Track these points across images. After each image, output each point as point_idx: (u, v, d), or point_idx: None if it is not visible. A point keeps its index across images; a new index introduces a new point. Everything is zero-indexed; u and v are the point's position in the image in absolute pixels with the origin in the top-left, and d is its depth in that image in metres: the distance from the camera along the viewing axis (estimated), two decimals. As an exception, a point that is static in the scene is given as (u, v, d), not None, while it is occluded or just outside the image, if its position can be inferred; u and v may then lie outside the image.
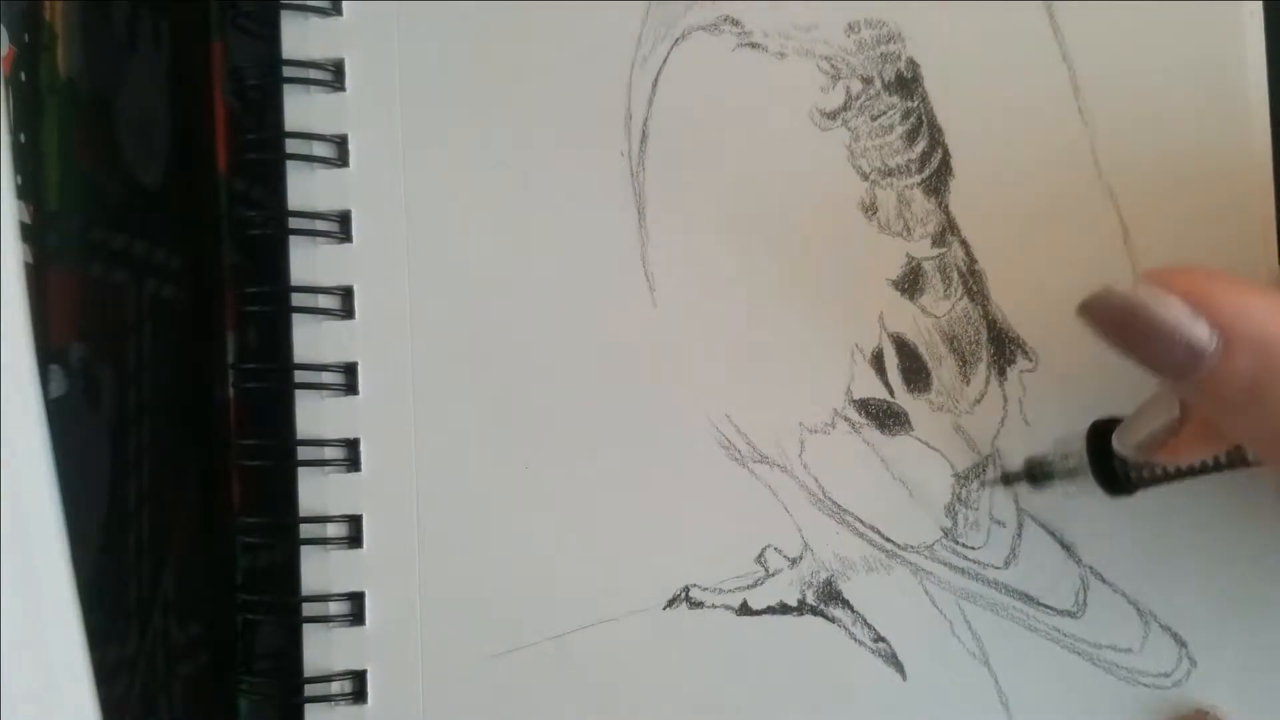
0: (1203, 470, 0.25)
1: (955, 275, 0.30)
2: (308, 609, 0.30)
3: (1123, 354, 0.22)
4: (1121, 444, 0.26)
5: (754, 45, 0.30)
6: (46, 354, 0.28)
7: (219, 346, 0.32)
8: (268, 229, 0.31)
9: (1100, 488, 0.27)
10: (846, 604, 0.30)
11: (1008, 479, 0.29)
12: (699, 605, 0.30)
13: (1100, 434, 0.27)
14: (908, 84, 0.30)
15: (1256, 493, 0.29)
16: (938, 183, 0.30)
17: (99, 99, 0.31)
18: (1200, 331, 0.21)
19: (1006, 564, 0.30)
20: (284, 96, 0.31)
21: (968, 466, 0.30)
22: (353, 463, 0.30)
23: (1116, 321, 0.22)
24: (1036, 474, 0.28)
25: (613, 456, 0.30)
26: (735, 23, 0.30)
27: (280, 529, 0.31)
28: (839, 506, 0.30)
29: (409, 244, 0.31)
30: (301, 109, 0.31)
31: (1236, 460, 0.25)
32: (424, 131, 0.31)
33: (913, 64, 0.30)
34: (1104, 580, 0.29)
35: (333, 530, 0.30)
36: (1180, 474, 0.26)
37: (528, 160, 0.31)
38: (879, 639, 0.30)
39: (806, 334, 0.30)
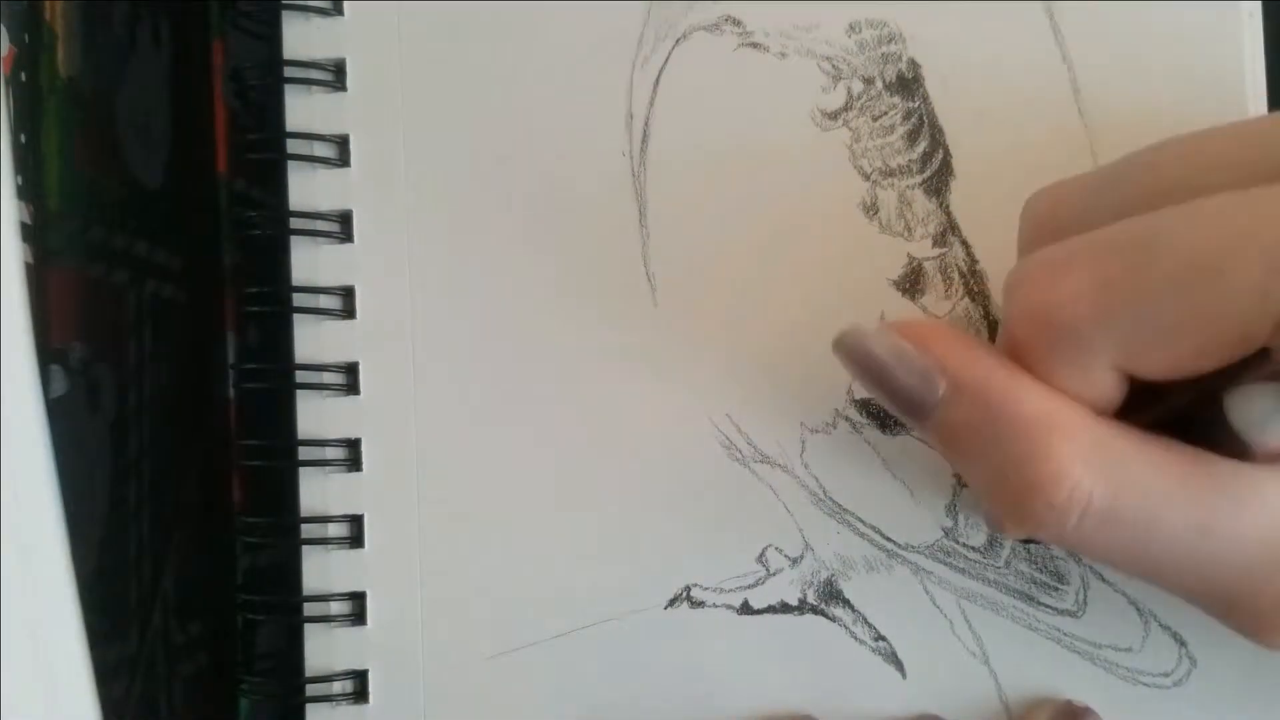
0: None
1: (956, 275, 0.30)
2: (309, 609, 0.30)
3: (867, 388, 0.25)
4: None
5: (755, 45, 0.30)
6: (46, 354, 0.28)
7: (219, 346, 0.32)
8: (268, 229, 0.31)
9: None
10: (847, 603, 0.30)
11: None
12: (700, 605, 0.30)
13: None
14: (909, 84, 0.30)
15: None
16: (939, 183, 0.30)
17: (99, 99, 0.31)
18: (933, 378, 0.23)
19: (1007, 564, 0.30)
20: (285, 96, 0.31)
21: (968, 466, 0.30)
22: (354, 463, 0.30)
23: (858, 360, 0.24)
24: None
25: (613, 456, 0.30)
26: (736, 23, 0.30)
27: (281, 529, 0.31)
28: (840, 506, 0.30)
29: (410, 244, 0.31)
30: (302, 109, 0.31)
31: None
32: (425, 131, 0.31)
33: (914, 64, 0.30)
34: (1104, 580, 0.29)
35: (334, 530, 0.30)
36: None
37: (528, 160, 0.31)
38: (879, 638, 0.30)
39: (808, 334, 0.30)
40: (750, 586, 0.30)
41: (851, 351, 0.24)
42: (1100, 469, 0.22)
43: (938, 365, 0.23)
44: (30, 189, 0.29)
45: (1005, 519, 0.23)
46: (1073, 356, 0.22)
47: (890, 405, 0.25)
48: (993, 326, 0.30)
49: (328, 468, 0.30)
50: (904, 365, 0.24)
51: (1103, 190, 0.24)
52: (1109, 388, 0.23)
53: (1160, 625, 0.29)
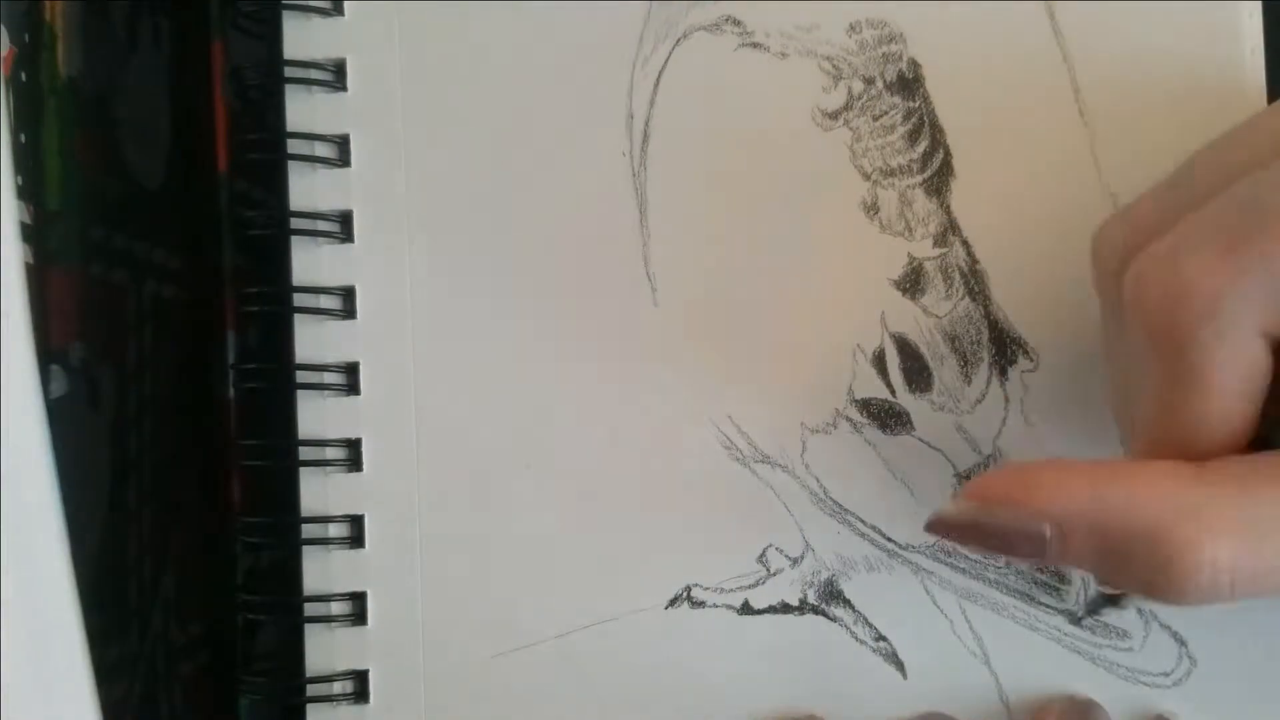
0: None
1: (957, 275, 0.30)
2: (309, 609, 0.30)
3: (991, 555, 0.25)
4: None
5: (756, 45, 0.30)
6: (46, 354, 0.28)
7: (219, 346, 0.32)
8: (269, 229, 0.31)
9: None
10: (848, 603, 0.30)
11: (1093, 609, 0.29)
12: (701, 605, 0.30)
13: None
14: (909, 84, 0.30)
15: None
16: (939, 183, 0.30)
17: (99, 99, 0.31)
18: (1035, 527, 0.22)
19: (1007, 564, 0.30)
20: (285, 96, 0.31)
21: (969, 466, 0.30)
22: (354, 463, 0.30)
23: (961, 537, 0.24)
24: (1118, 597, 0.28)
25: (614, 456, 0.30)
26: (737, 23, 0.30)
27: (281, 529, 0.31)
28: (840, 506, 0.30)
29: (410, 244, 0.31)
30: (303, 109, 0.31)
31: None
32: (425, 131, 0.31)
33: (914, 64, 0.30)
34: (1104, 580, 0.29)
35: (334, 530, 0.30)
36: None
37: (529, 160, 0.31)
38: (880, 638, 0.30)
39: (808, 334, 0.30)
40: (751, 586, 0.30)
41: (941, 531, 0.24)
42: (1227, 536, 0.21)
43: (1030, 514, 0.23)
44: (30, 189, 0.29)
45: (1163, 601, 0.23)
46: (1218, 331, 0.22)
47: (1010, 560, 0.25)
48: (993, 326, 0.30)
49: (328, 468, 0.30)
50: (997, 527, 0.23)
51: (1173, 193, 0.24)
52: (1260, 357, 0.22)
53: (1160, 625, 0.29)
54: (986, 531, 0.23)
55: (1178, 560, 0.21)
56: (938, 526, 0.24)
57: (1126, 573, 0.22)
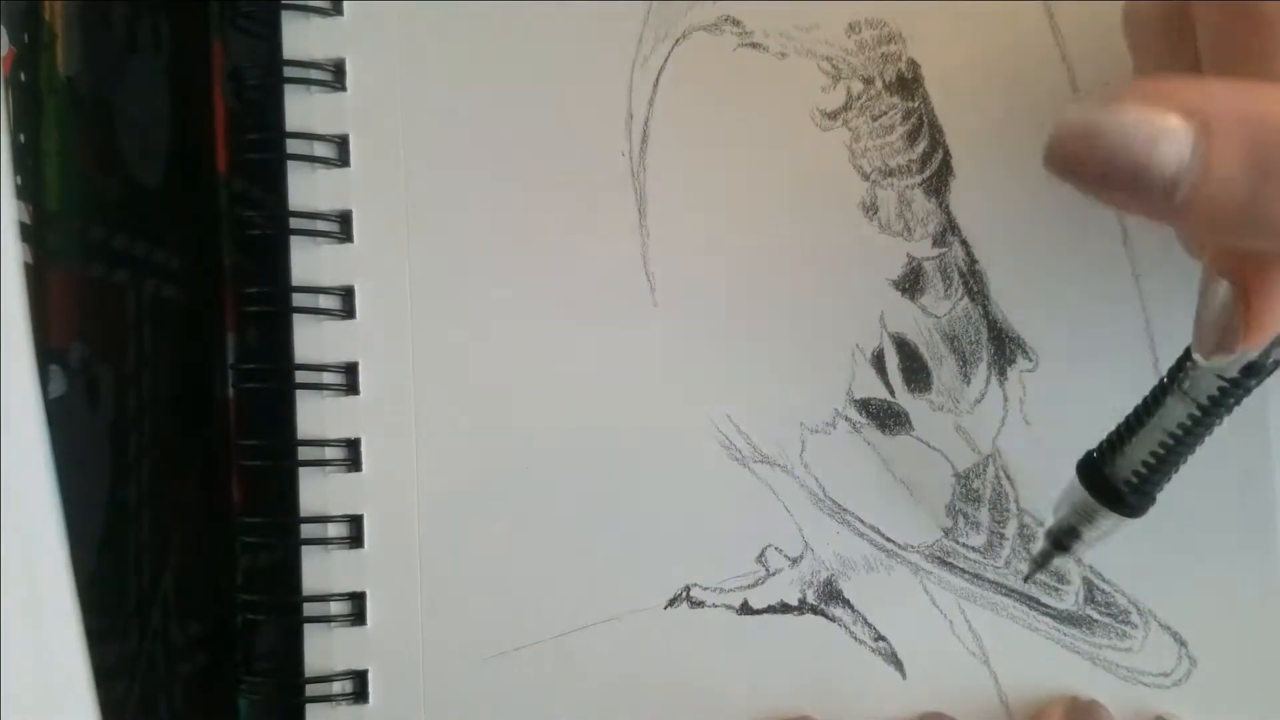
0: (1186, 440, 0.25)
1: (956, 275, 0.30)
2: (309, 609, 0.30)
3: (1103, 196, 0.19)
4: (1203, 353, 0.23)
5: (755, 45, 0.30)
6: (46, 354, 0.28)
7: (219, 346, 0.32)
8: (268, 229, 0.31)
9: (1119, 513, 0.26)
10: (847, 603, 0.30)
11: (1039, 563, 0.29)
12: (700, 605, 0.30)
13: (1087, 466, 0.26)
14: (908, 84, 0.30)
15: (1253, 491, 0.29)
16: (938, 183, 0.30)
17: (99, 99, 0.31)
18: (1172, 125, 0.18)
19: (1007, 564, 0.30)
20: (285, 96, 0.31)
21: (968, 466, 0.30)
22: (354, 463, 0.30)
23: (1081, 153, 0.19)
24: (1062, 540, 0.28)
25: (613, 456, 0.30)
26: (736, 23, 0.30)
27: (281, 529, 0.31)
28: (839, 506, 0.30)
29: (409, 244, 0.31)
30: (302, 109, 0.31)
31: (1208, 411, 0.24)
32: (425, 131, 0.31)
33: (913, 64, 0.30)
34: (1103, 580, 0.29)
35: (334, 530, 0.30)
36: (1171, 453, 0.25)
37: (529, 160, 0.31)
38: (879, 638, 0.30)
39: (807, 334, 0.30)
40: (750, 586, 0.30)
41: (1074, 144, 0.19)
42: None
43: (1177, 108, 0.18)
44: (30, 189, 0.29)
45: None
46: None
47: (1133, 194, 0.19)
48: (992, 326, 0.30)
49: (328, 468, 0.30)
50: (1139, 128, 0.18)
51: None
52: None
53: (1160, 625, 0.29)
54: (1115, 141, 0.18)
55: None
56: (1057, 144, 0.19)
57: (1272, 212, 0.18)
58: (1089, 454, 0.27)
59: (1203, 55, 0.22)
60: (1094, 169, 0.18)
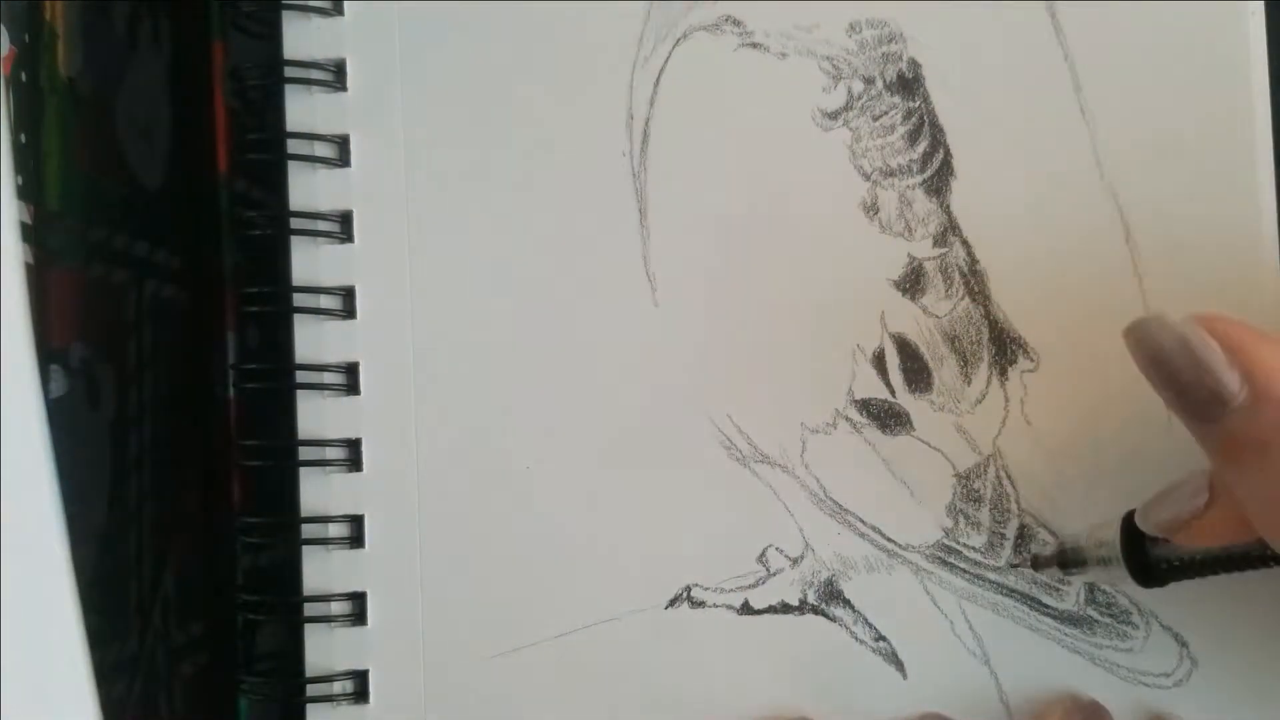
0: (1229, 564, 0.25)
1: (957, 275, 0.30)
2: (309, 609, 0.30)
3: (1154, 381, 0.23)
4: (1144, 520, 0.25)
5: (755, 45, 0.30)
6: (46, 354, 0.28)
7: (219, 346, 0.32)
8: (269, 229, 0.31)
9: (1132, 578, 0.26)
10: (847, 603, 0.30)
11: (1038, 563, 0.29)
12: (700, 605, 0.30)
13: (1133, 524, 0.26)
14: (909, 84, 0.30)
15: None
16: (939, 183, 0.30)
17: (99, 99, 0.31)
18: (1231, 379, 0.22)
19: (1008, 564, 0.30)
20: (285, 96, 0.31)
21: (969, 467, 0.30)
22: (354, 463, 0.30)
23: (1158, 351, 0.22)
24: (1069, 561, 0.28)
25: (614, 456, 0.30)
26: (737, 23, 0.30)
27: (281, 529, 0.31)
28: (840, 506, 0.30)
29: (410, 244, 0.31)
30: (303, 109, 0.31)
31: (1258, 555, 0.25)
32: (425, 131, 0.31)
33: (914, 64, 0.30)
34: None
35: (334, 530, 0.30)
36: (1210, 565, 0.25)
37: (529, 160, 0.31)
38: (880, 638, 0.30)
39: (808, 334, 0.30)
40: (750, 586, 0.30)
41: (1144, 342, 0.23)
42: None
43: (1244, 370, 0.22)
44: (30, 189, 0.29)
45: None
46: None
47: (1173, 402, 0.23)
48: (993, 326, 0.30)
49: (328, 468, 0.30)
50: (1203, 364, 0.22)
51: None
52: None
53: (1161, 626, 0.29)
54: (1172, 360, 0.22)
55: None
56: (1140, 333, 0.23)
57: (1269, 475, 0.22)
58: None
59: None
60: (1160, 369, 0.23)
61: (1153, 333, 0.23)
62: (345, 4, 0.31)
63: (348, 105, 0.31)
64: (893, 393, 0.30)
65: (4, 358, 0.26)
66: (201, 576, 0.32)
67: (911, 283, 0.30)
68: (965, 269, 0.30)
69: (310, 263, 0.31)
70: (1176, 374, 0.22)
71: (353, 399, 0.31)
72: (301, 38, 0.31)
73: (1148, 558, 0.26)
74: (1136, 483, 0.26)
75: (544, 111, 0.31)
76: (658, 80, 0.30)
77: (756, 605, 0.30)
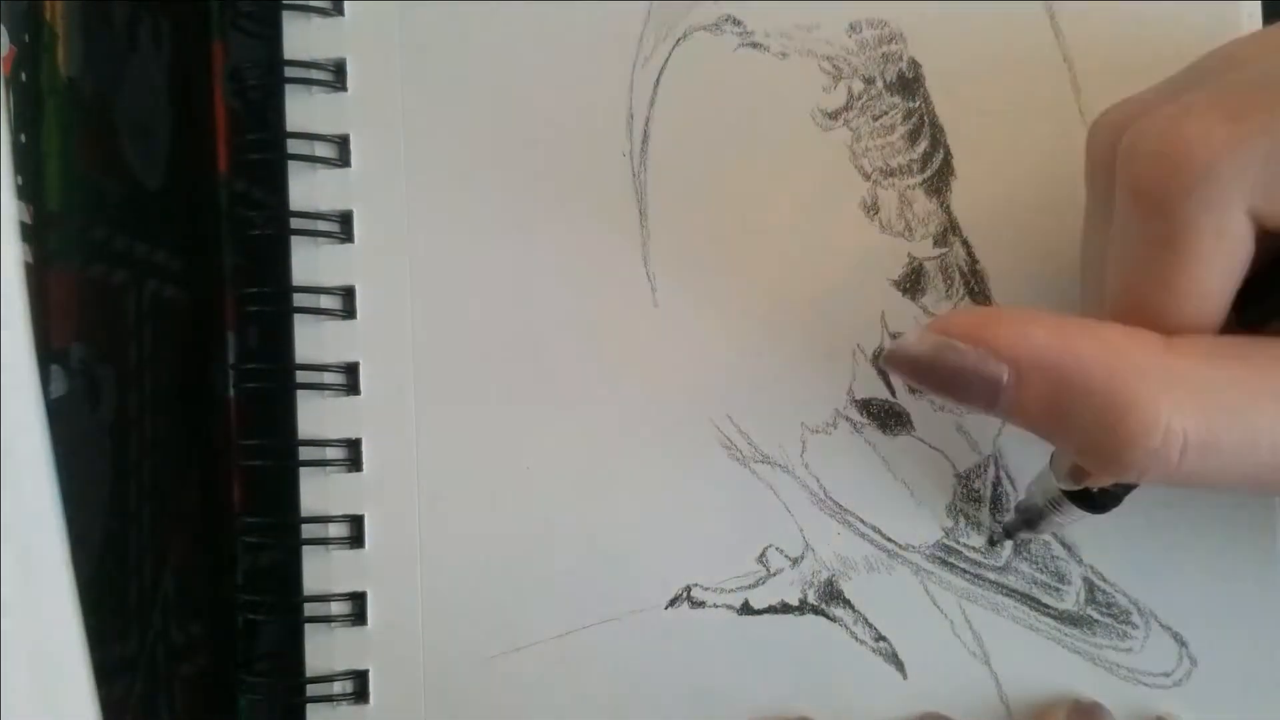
0: None
1: (957, 275, 0.30)
2: (309, 609, 0.30)
3: (932, 396, 0.24)
4: (1058, 479, 0.26)
5: (756, 45, 0.30)
6: (46, 354, 0.28)
7: (219, 346, 0.32)
8: (269, 229, 0.31)
9: (1079, 508, 0.26)
10: (848, 603, 0.30)
11: (1009, 531, 0.29)
12: (700, 605, 0.30)
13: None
14: (909, 84, 0.30)
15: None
16: (939, 183, 0.30)
17: (99, 99, 0.31)
18: (992, 367, 0.22)
19: (1007, 564, 0.30)
20: (285, 97, 0.31)
21: (969, 467, 0.30)
22: (354, 463, 0.30)
23: (917, 370, 0.23)
24: (1032, 518, 0.28)
25: (614, 456, 0.30)
26: (737, 23, 0.30)
27: (281, 529, 0.31)
28: (840, 506, 0.30)
29: (410, 244, 0.31)
30: (303, 109, 0.31)
31: None
32: (426, 132, 0.31)
33: (914, 64, 0.30)
34: (1104, 580, 0.29)
35: (334, 530, 0.30)
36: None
37: (529, 160, 0.31)
38: (880, 638, 0.30)
39: (808, 334, 0.30)
40: (750, 586, 0.30)
41: (898, 364, 0.24)
42: (1188, 403, 0.21)
43: (991, 351, 0.22)
44: (30, 189, 0.29)
45: (1105, 473, 0.23)
46: (1207, 200, 0.21)
47: (960, 405, 0.24)
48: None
49: (328, 468, 0.30)
50: (956, 363, 0.23)
51: (1174, 83, 0.24)
52: (1244, 236, 0.21)
53: (1161, 625, 0.29)
54: (944, 369, 0.23)
55: (1130, 419, 0.21)
56: (896, 358, 0.23)
57: (1074, 430, 0.22)
58: None
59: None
60: (926, 384, 0.23)
61: (898, 355, 0.23)
62: (345, 4, 0.31)
63: (348, 105, 0.31)
64: (893, 393, 0.30)
65: (4, 358, 0.26)
66: (201, 576, 0.32)
67: (912, 283, 0.30)
68: (965, 269, 0.30)
69: (310, 263, 0.31)
70: (943, 383, 0.23)
71: (353, 399, 0.31)
72: (301, 38, 0.31)
73: (1088, 488, 0.26)
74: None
75: (544, 111, 0.31)
76: (658, 80, 0.31)
77: (756, 605, 0.30)
